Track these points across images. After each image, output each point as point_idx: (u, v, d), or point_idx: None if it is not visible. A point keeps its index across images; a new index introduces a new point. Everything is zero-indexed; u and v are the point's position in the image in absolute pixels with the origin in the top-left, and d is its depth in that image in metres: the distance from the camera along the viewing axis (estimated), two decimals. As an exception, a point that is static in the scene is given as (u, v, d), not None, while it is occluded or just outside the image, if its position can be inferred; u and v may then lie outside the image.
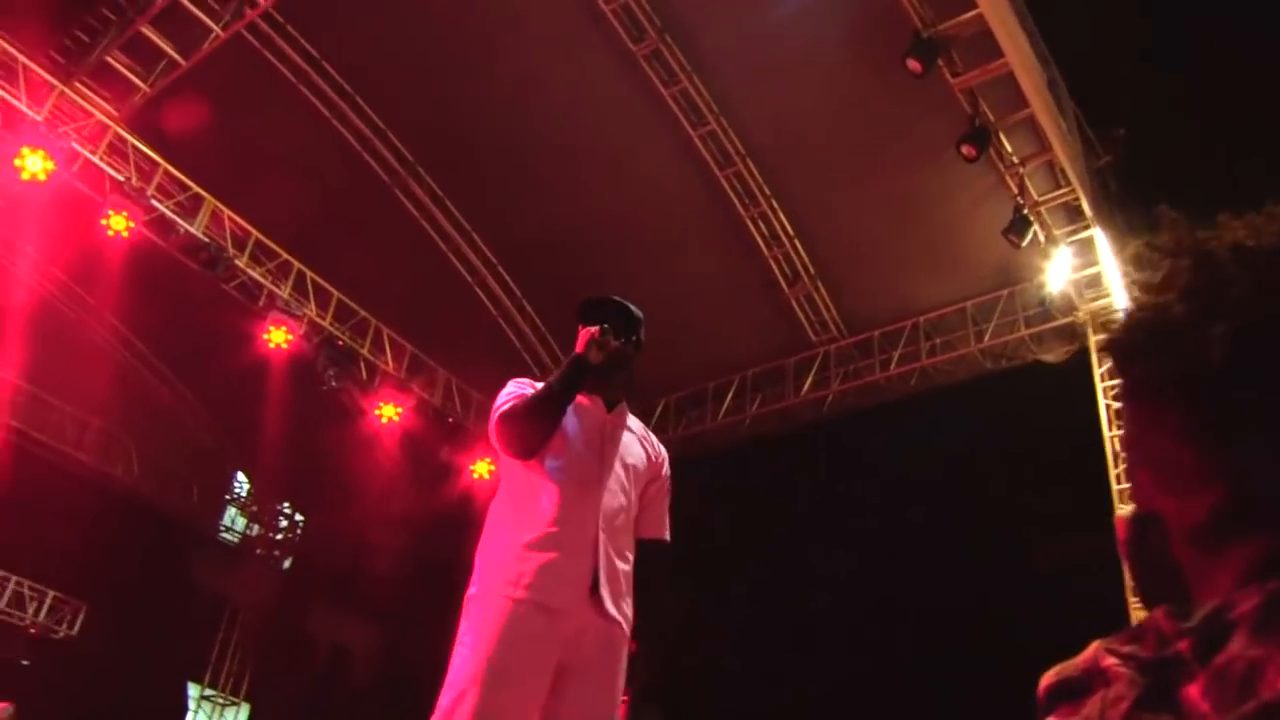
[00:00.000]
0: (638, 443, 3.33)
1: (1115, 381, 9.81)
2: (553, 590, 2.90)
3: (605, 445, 3.19)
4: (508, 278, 13.35)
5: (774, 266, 12.12)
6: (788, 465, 12.30)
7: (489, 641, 2.82)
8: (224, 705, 16.88)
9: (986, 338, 11.21)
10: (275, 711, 16.47)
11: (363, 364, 12.14)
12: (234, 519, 18.37)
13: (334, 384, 11.70)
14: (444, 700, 2.81)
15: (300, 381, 12.22)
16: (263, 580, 17.75)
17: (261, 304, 11.30)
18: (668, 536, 3.33)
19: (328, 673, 17.51)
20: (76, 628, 14.56)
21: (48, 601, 14.37)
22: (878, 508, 10.74)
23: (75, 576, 14.39)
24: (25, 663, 13.89)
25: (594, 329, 3.15)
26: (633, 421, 3.40)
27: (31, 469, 14.27)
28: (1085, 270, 10.39)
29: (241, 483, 18.48)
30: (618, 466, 3.19)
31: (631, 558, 3.14)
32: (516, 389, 3.18)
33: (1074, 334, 10.81)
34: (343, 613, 16.60)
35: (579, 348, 3.12)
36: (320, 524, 17.91)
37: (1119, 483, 9.71)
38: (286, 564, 18.39)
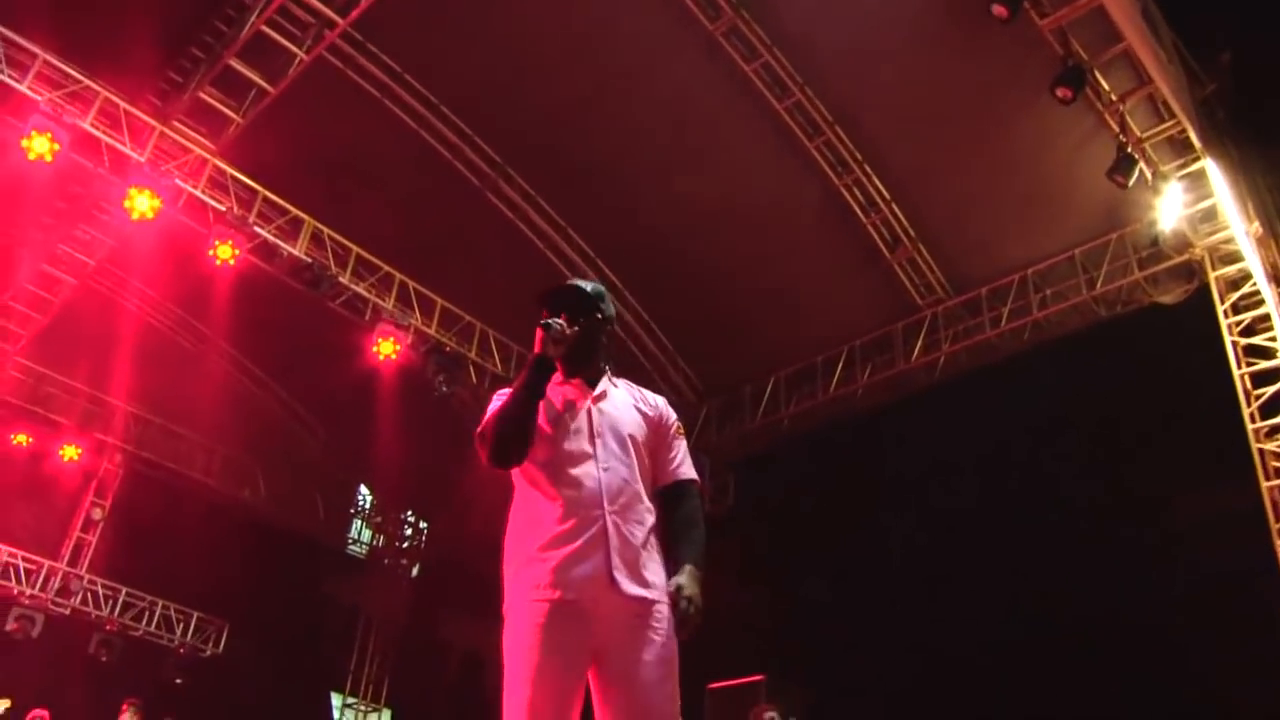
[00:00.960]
0: (631, 408, 3.30)
1: (1240, 317, 9.58)
2: (570, 587, 2.91)
3: (593, 426, 3.17)
4: (607, 270, 13.37)
5: (873, 233, 11.92)
6: (900, 434, 12.06)
7: (519, 651, 2.87)
8: (367, 712, 17.26)
9: (1099, 285, 10.84)
10: (418, 714, 16.78)
11: (471, 367, 12.27)
12: (360, 531, 18.79)
13: (444, 389, 11.85)
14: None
15: (412, 390, 12.42)
16: (392, 589, 18.15)
17: (368, 317, 11.53)
18: (687, 475, 3.31)
19: (462, 676, 17.78)
20: (221, 646, 15.10)
21: (193, 622, 14.95)
22: (999, 467, 10.47)
23: (215, 597, 14.93)
24: (179, 681, 14.43)
25: (545, 323, 3.11)
26: (623, 389, 3.38)
27: (164, 497, 14.86)
28: (1198, 204, 9.97)
29: (365, 495, 18.89)
30: (612, 443, 3.17)
31: (650, 521, 3.14)
32: (495, 402, 3.15)
33: (1190, 272, 10.41)
34: (472, 617, 16.79)
35: (536, 347, 3.09)
36: (443, 530, 18.19)
37: (1253, 421, 9.35)
38: (414, 572, 18.73)
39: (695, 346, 14.20)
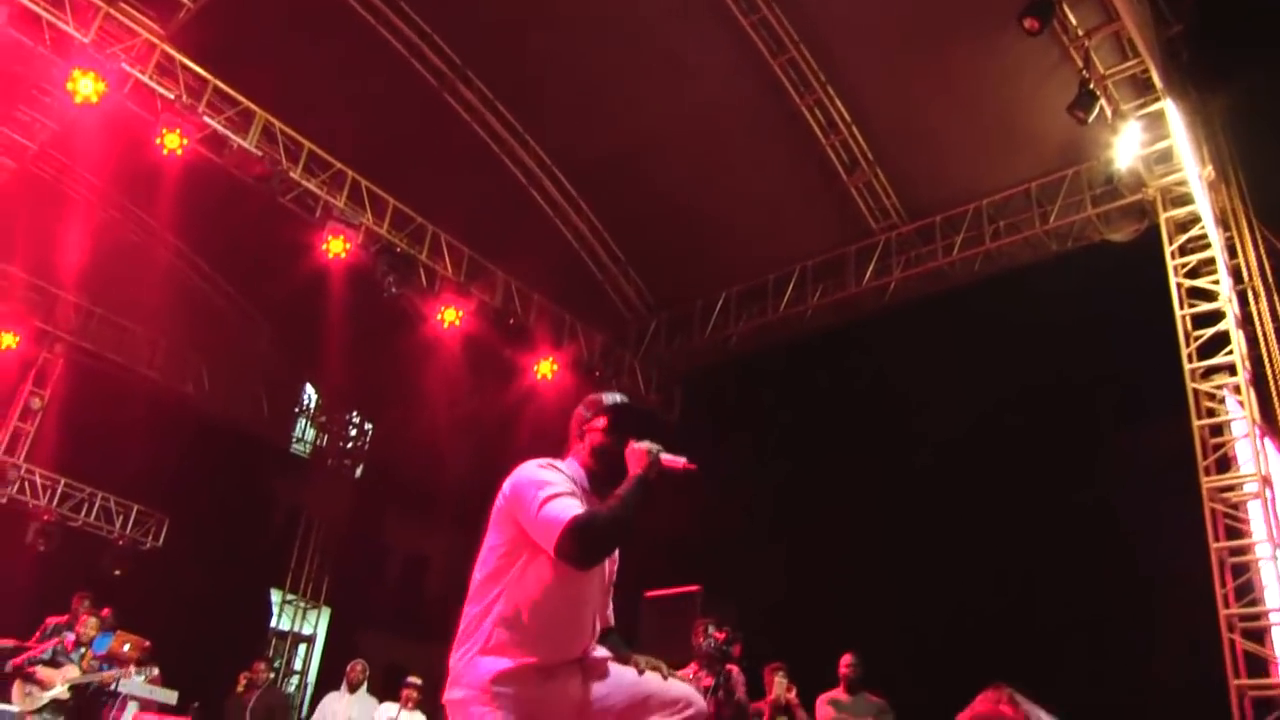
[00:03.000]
0: None
1: (1185, 259, 9.72)
2: (540, 702, 3.01)
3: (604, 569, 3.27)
4: (563, 178, 13.24)
5: (832, 155, 11.87)
6: (849, 357, 12.17)
7: None
8: (306, 609, 17.38)
9: (1052, 219, 10.92)
10: (356, 614, 16.92)
11: (421, 270, 12.16)
12: (305, 430, 18.75)
13: (394, 291, 11.73)
14: None
15: (361, 291, 12.30)
16: (336, 489, 18.19)
17: (318, 215, 11.33)
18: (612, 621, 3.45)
19: (404, 577, 17.94)
20: (161, 539, 15.09)
21: (133, 515, 14.90)
22: (942, 398, 10.60)
23: (156, 491, 14.90)
24: (118, 573, 14.42)
25: (652, 448, 3.16)
26: None
27: (107, 389, 14.67)
28: (1155, 145, 10.06)
29: (310, 394, 18.80)
30: (601, 590, 3.29)
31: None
32: (562, 482, 3.10)
33: (1142, 212, 10.51)
34: (415, 518, 16.91)
35: (637, 466, 3.12)
36: (388, 432, 18.20)
37: (1190, 361, 9.53)
38: (358, 472, 18.75)
39: (648, 259, 14.17)
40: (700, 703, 3.19)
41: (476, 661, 2.99)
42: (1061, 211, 10.87)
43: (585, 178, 13.36)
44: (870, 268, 12.22)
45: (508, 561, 3.08)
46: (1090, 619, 8.92)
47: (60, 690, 9.22)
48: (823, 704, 8.51)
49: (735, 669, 8.08)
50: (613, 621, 3.44)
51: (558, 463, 3.20)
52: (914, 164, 11.91)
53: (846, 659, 8.66)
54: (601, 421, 3.29)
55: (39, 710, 9.15)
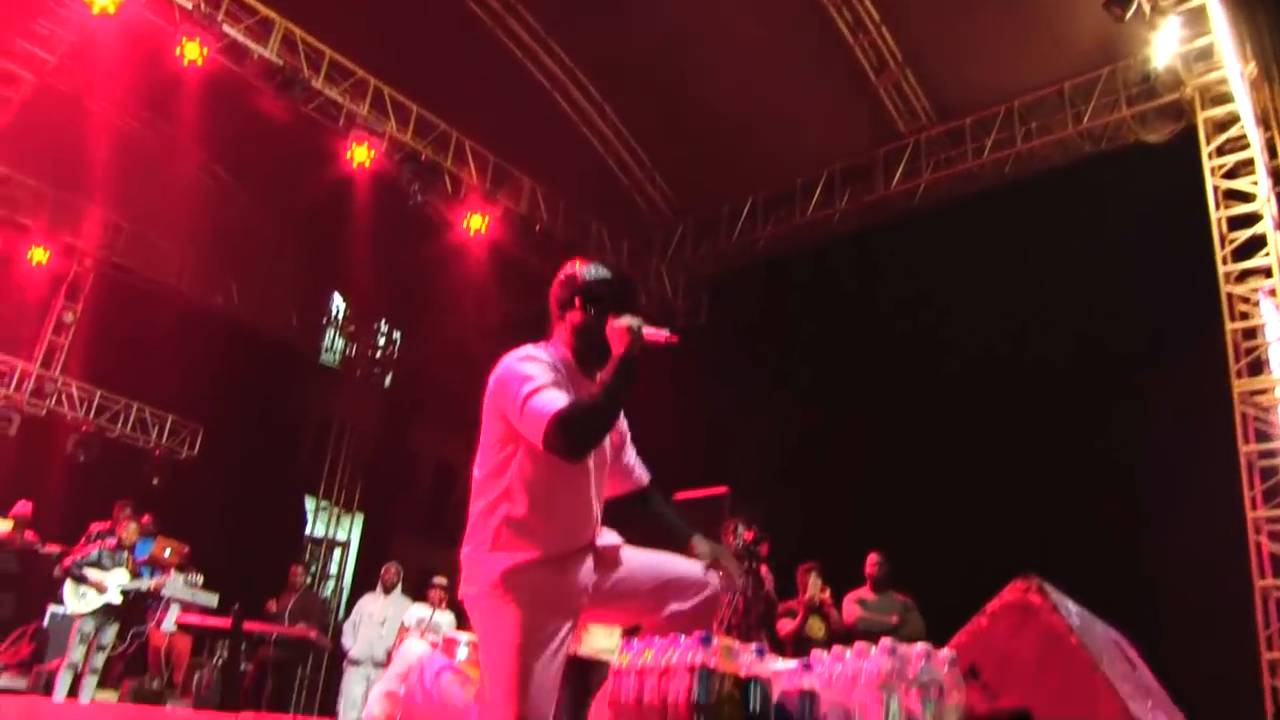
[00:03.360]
0: None
1: (1223, 160, 9.54)
2: (566, 596, 3.02)
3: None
4: (587, 83, 13.07)
5: (860, 56, 11.64)
6: (877, 261, 12.07)
7: (514, 648, 2.92)
8: (339, 515, 17.67)
9: (1086, 119, 10.72)
10: (387, 520, 17.20)
11: (447, 177, 12.10)
12: (333, 340, 18.84)
13: (419, 199, 11.70)
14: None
15: (386, 199, 12.26)
16: (365, 399, 18.33)
17: (341, 123, 11.26)
18: (649, 477, 3.45)
19: (434, 483, 18.18)
20: (196, 449, 15.31)
21: (168, 425, 15.10)
22: (971, 303, 10.52)
23: (190, 402, 15.07)
24: (156, 482, 14.67)
25: (632, 324, 3.03)
26: None
27: (137, 302, 14.76)
28: (1195, 41, 9.76)
29: (338, 305, 18.87)
30: (600, 465, 3.20)
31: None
32: (544, 374, 3.01)
33: (1179, 112, 10.28)
34: (444, 425, 17.05)
35: (620, 345, 3.01)
36: (417, 340, 18.28)
37: (1225, 264, 9.42)
38: (387, 381, 18.89)
39: (674, 163, 14.02)
40: (716, 584, 3.16)
41: (486, 558, 3.00)
42: (1095, 112, 10.66)
43: (610, 82, 13.16)
44: (899, 171, 12.08)
45: (504, 456, 3.06)
46: (1116, 519, 8.94)
47: (113, 593, 9.50)
48: (849, 603, 8.58)
49: (765, 568, 8.20)
50: (646, 479, 3.44)
51: (538, 351, 3.12)
52: (944, 64, 11.67)
53: (872, 558, 8.73)
54: (579, 299, 3.19)
55: (92, 612, 9.44)
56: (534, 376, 2.97)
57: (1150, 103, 10.35)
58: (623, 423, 3.38)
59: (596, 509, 3.16)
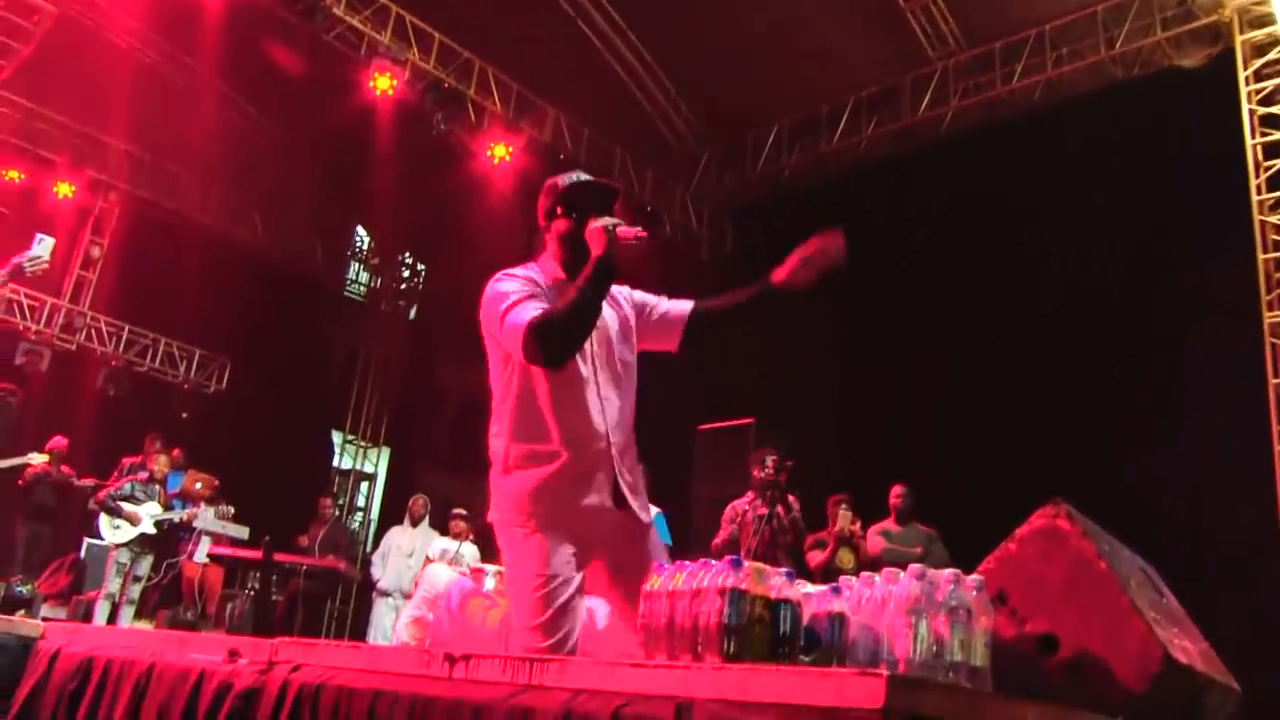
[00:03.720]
0: (612, 313, 3.25)
1: (1261, 85, 9.33)
2: (578, 518, 3.01)
3: (591, 346, 3.14)
4: (610, 9, 12.87)
5: (887, -23, 11.42)
6: (906, 189, 11.91)
7: (532, 571, 2.93)
8: (366, 449, 17.81)
9: (1119, 44, 10.47)
10: (414, 452, 17.30)
11: (470, 105, 12.01)
12: (358, 273, 18.85)
13: (442, 128, 11.62)
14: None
15: (409, 129, 12.19)
16: (391, 331, 18.34)
17: (363, 52, 11.16)
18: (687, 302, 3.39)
19: (459, 416, 18.23)
20: (224, 383, 15.45)
21: (195, 360, 15.24)
22: (998, 232, 10.39)
23: (217, 336, 15.20)
24: (184, 415, 14.83)
25: (607, 224, 3.01)
26: None
27: (163, 236, 14.82)
28: (1236, -38, 9.53)
29: (362, 237, 18.85)
30: (606, 366, 3.17)
31: (639, 469, 3.23)
32: (520, 288, 3.03)
33: (1216, 35, 10.02)
34: (469, 357, 17.05)
35: (597, 247, 2.99)
36: (441, 272, 18.26)
37: (1259, 194, 9.26)
38: (412, 314, 18.91)
39: (697, 91, 13.83)
40: None
41: (504, 482, 3.06)
42: (1129, 36, 10.39)
43: (634, 8, 12.93)
44: (926, 97, 11.88)
45: (505, 379, 3.12)
46: (1142, 452, 8.88)
47: (146, 525, 9.65)
48: (873, 534, 8.64)
49: (793, 497, 8.24)
50: (688, 309, 3.39)
51: (515, 270, 3.15)
52: (973, -13, 11.43)
53: (896, 490, 8.78)
54: (560, 207, 3.20)
55: (127, 544, 9.61)
56: (510, 292, 3.00)
57: (1186, 25, 10.09)
58: (632, 295, 3.37)
59: (609, 411, 3.12)
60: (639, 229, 3.07)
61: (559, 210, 3.20)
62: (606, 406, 3.11)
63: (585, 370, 3.08)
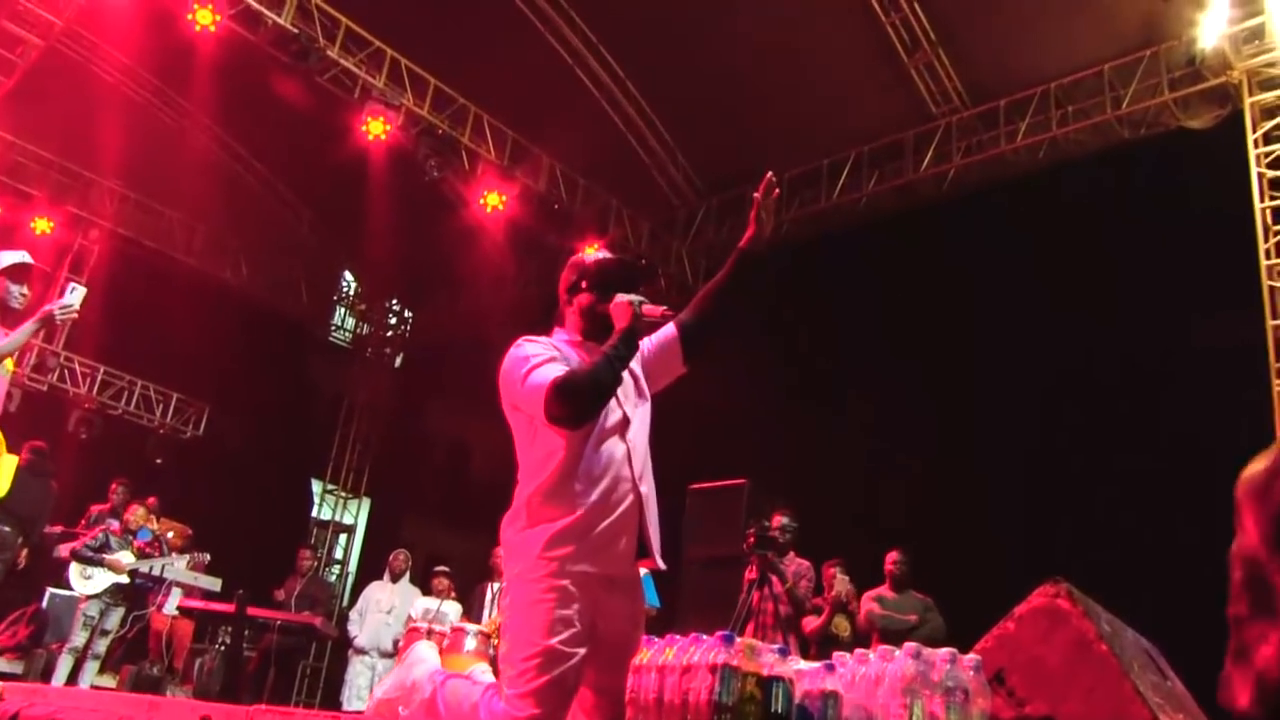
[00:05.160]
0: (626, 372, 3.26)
1: (1270, 148, 9.17)
2: (603, 562, 3.00)
3: (621, 397, 3.19)
4: (609, 57, 12.73)
5: (892, 34, 11.25)
6: (908, 245, 11.73)
7: (544, 624, 2.88)
8: (347, 499, 17.43)
9: (1125, 104, 10.33)
10: (397, 504, 16.97)
11: (464, 152, 11.85)
12: (344, 318, 18.62)
13: (435, 174, 11.48)
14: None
15: (402, 174, 12.03)
16: (376, 378, 18.11)
17: (357, 95, 11.00)
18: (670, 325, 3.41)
19: (446, 466, 17.91)
20: (202, 428, 15.10)
21: (173, 403, 14.92)
22: (1000, 290, 10.21)
23: (196, 379, 14.92)
24: (159, 461, 14.47)
25: (633, 299, 3.15)
26: None
27: (144, 276, 14.56)
28: (1245, 22, 9.40)
29: (349, 282, 18.61)
30: (635, 400, 3.26)
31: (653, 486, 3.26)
32: (542, 351, 3.11)
33: (1225, 96, 9.89)
34: (457, 406, 16.80)
35: (621, 320, 3.11)
36: (429, 319, 18.01)
37: (1268, 258, 9.07)
38: (398, 361, 18.64)
39: (697, 142, 13.68)
40: None
41: (525, 535, 3.03)
42: (1136, 96, 10.26)
43: (633, 57, 12.81)
44: (929, 154, 11.72)
45: (527, 443, 3.14)
46: (1143, 527, 8.63)
47: (120, 576, 9.36)
48: (867, 600, 8.43)
49: (796, 560, 8.01)
50: (675, 332, 3.41)
51: (538, 338, 3.21)
52: (979, 44, 11.30)
53: (893, 556, 8.57)
54: (586, 282, 3.29)
55: (97, 595, 9.29)
56: (530, 356, 3.08)
57: (1194, 86, 9.95)
58: (642, 345, 3.37)
59: (635, 460, 3.14)
60: (664, 308, 3.20)
61: (583, 285, 3.30)
62: (633, 454, 3.14)
63: (613, 421, 3.13)
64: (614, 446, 3.09)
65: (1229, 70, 9.68)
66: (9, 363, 5.64)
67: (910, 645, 2.28)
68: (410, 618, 9.83)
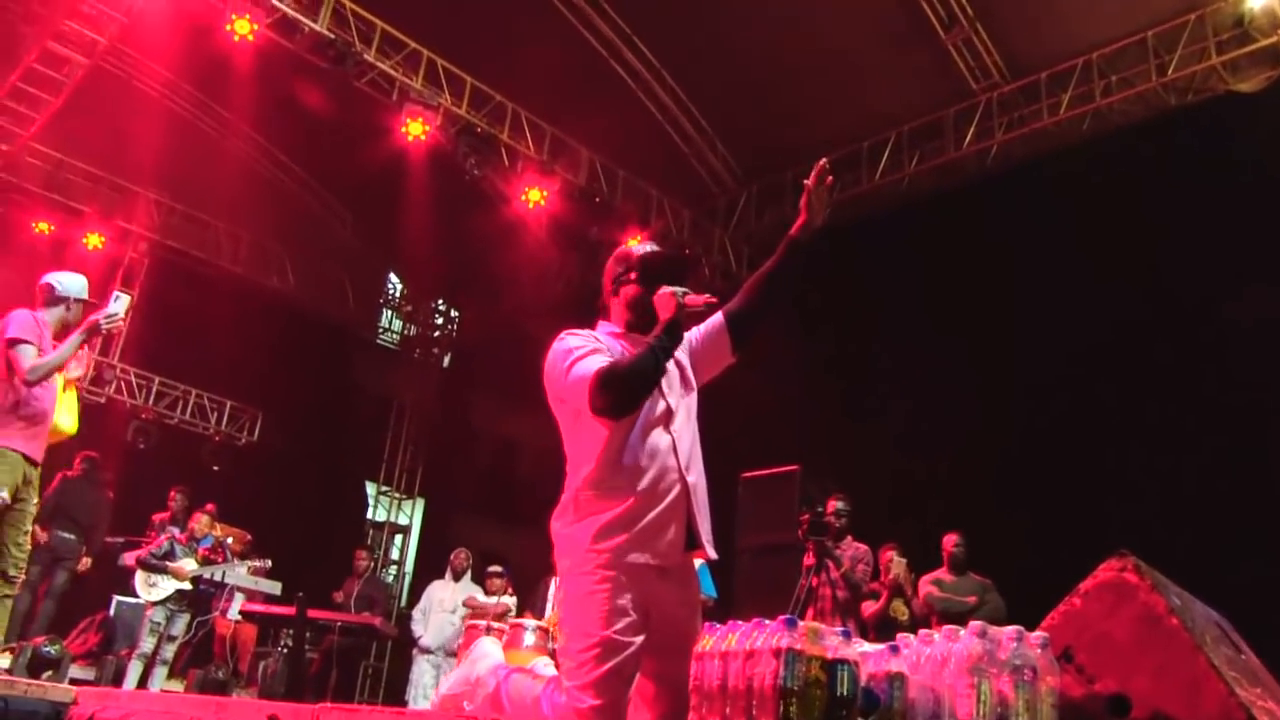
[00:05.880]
0: (671, 362, 3.25)
1: (1321, 106, 8.95)
2: (654, 552, 2.98)
3: (666, 388, 3.18)
4: (643, 47, 12.70)
5: (928, 11, 11.12)
6: (948, 222, 11.58)
7: (599, 616, 2.89)
8: (401, 500, 17.56)
9: (1170, 70, 10.13)
10: (450, 503, 17.05)
11: (503, 149, 11.88)
12: (390, 320, 18.75)
13: (476, 172, 11.50)
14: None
15: (442, 174, 12.07)
16: (425, 379, 18.21)
17: (395, 97, 11.07)
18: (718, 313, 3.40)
19: (495, 464, 17.97)
20: (256, 434, 15.28)
21: (227, 411, 15.09)
22: (1048, 269, 10.04)
23: (248, 386, 15.08)
24: (216, 468, 14.66)
25: (677, 290, 3.12)
26: None
27: (192, 285, 14.74)
28: (1297, -22, 9.20)
29: (394, 284, 18.73)
30: (680, 391, 3.25)
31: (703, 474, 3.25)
32: (585, 343, 3.15)
33: (1275, 57, 9.65)
34: (505, 404, 16.85)
35: (665, 311, 3.09)
36: (475, 318, 18.09)
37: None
38: (446, 361, 18.74)
39: (736, 129, 13.61)
40: None
41: (574, 529, 3.04)
42: (1181, 62, 10.06)
43: (666, 46, 12.76)
44: (970, 130, 11.59)
45: (575, 435, 3.15)
46: (1203, 499, 8.47)
47: (184, 582, 9.51)
48: (925, 584, 8.37)
49: (853, 545, 7.98)
50: (722, 320, 3.39)
51: (581, 330, 3.25)
52: (1017, 17, 11.13)
53: (951, 538, 8.50)
54: (633, 274, 3.30)
55: (162, 601, 9.46)
56: (575, 348, 3.11)
57: (1243, 49, 9.75)
58: (690, 336, 3.37)
59: (681, 449, 3.14)
60: (708, 296, 3.18)
61: (630, 277, 3.31)
62: (679, 444, 3.13)
63: (659, 411, 3.13)
64: (659, 437, 3.08)
65: (1278, 30, 9.47)
66: (59, 376, 5.75)
67: (975, 624, 2.24)
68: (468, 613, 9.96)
